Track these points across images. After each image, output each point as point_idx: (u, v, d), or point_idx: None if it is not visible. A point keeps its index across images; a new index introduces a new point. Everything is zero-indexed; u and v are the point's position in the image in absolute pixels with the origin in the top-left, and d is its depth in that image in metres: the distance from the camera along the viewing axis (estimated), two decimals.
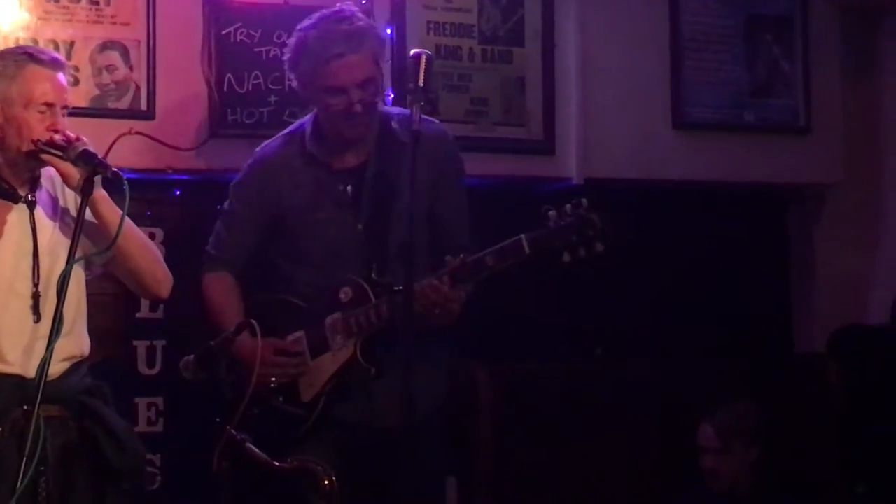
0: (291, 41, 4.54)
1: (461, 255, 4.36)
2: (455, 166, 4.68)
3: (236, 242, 4.64)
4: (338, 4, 4.59)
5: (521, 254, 4.31)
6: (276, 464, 3.80)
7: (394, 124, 4.58)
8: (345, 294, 4.45)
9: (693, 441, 5.50)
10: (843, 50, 6.42)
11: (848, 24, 6.42)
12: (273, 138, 4.71)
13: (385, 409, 4.40)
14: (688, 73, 6.09)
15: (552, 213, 4.32)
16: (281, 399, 4.46)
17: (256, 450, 3.82)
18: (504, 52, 5.77)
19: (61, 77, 3.95)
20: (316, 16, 4.53)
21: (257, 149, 4.73)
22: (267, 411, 4.41)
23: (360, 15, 4.57)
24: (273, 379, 4.40)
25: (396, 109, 4.75)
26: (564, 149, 5.83)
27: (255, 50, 5.35)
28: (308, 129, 4.60)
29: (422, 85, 4.15)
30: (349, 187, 4.53)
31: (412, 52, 4.25)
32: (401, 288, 4.20)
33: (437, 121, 4.71)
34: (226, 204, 4.71)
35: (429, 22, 5.65)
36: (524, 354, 5.75)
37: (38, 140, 3.84)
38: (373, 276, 4.45)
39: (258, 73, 5.33)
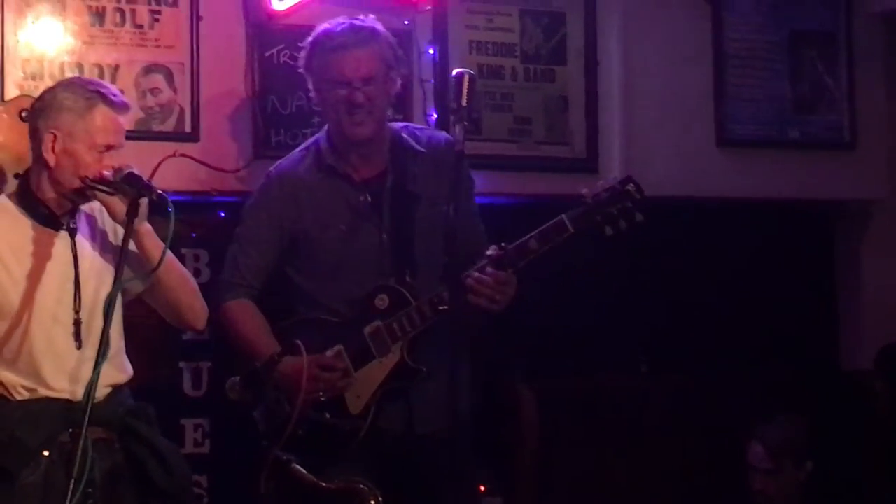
0: (306, 42, 4.60)
1: (501, 244, 4.40)
2: (466, 173, 4.67)
3: (255, 265, 4.59)
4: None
5: (565, 232, 4.39)
6: (323, 484, 3.81)
7: (405, 135, 4.64)
8: (381, 301, 4.46)
9: (739, 458, 5.47)
10: (887, 65, 6.38)
11: (892, 38, 6.38)
12: (286, 157, 4.72)
13: (426, 415, 4.44)
14: (731, 90, 6.07)
15: (586, 190, 4.45)
16: (328, 415, 4.43)
17: (303, 470, 3.83)
18: (547, 70, 5.77)
19: (123, 120, 3.97)
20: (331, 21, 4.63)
21: (271, 168, 4.72)
22: (314, 430, 4.39)
23: (373, 20, 4.61)
24: (321, 394, 4.39)
25: (401, 124, 4.78)
26: (608, 167, 5.81)
27: (299, 71, 5.35)
28: (323, 143, 4.62)
29: (465, 104, 4.14)
30: (369, 197, 4.54)
31: (455, 71, 4.25)
32: (445, 307, 4.25)
33: (443, 132, 4.72)
34: (239, 228, 4.67)
35: (471, 41, 5.66)
36: (568, 370, 5.74)
37: (86, 177, 3.85)
38: (407, 279, 4.47)
39: (301, 94, 5.34)
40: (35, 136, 3.93)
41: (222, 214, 5.38)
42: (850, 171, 6.28)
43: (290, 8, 5.36)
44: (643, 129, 5.91)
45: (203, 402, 5.32)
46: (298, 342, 4.11)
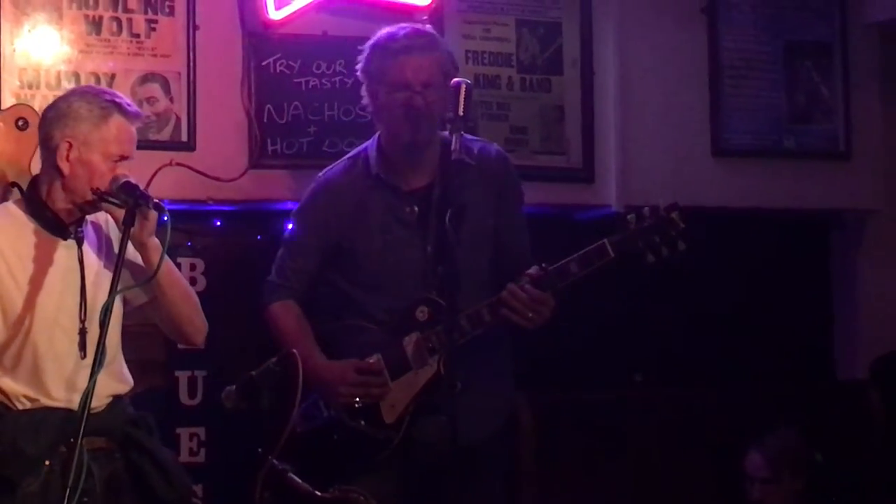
0: (365, 46, 4.58)
1: (542, 265, 4.38)
2: (515, 184, 4.70)
3: (300, 270, 4.63)
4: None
5: (606, 257, 4.35)
6: (318, 494, 3.81)
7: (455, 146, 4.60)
8: (422, 313, 4.44)
9: (736, 468, 5.47)
10: (882, 75, 6.39)
11: (887, 49, 6.39)
12: (334, 163, 4.70)
13: (463, 427, 4.40)
14: (727, 100, 6.07)
15: (631, 216, 4.39)
16: (363, 422, 4.44)
17: (298, 479, 3.83)
18: (543, 80, 5.78)
19: (135, 129, 3.96)
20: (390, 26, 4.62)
21: (319, 174, 4.71)
22: (348, 436, 4.41)
23: (431, 28, 4.67)
24: (357, 400, 4.40)
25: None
26: (603, 176, 5.83)
27: (295, 80, 5.38)
28: (372, 152, 4.60)
29: (462, 114, 4.16)
30: (416, 208, 4.53)
31: (452, 81, 4.26)
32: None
33: (494, 143, 4.73)
34: (288, 232, 4.71)
35: (468, 51, 5.67)
36: (564, 382, 5.74)
37: (98, 189, 3.85)
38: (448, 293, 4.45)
39: (298, 103, 5.37)
40: (48, 145, 3.91)
41: (218, 223, 5.39)
42: (846, 181, 6.28)
43: (286, 17, 5.37)
44: (639, 139, 5.91)
45: (199, 411, 5.32)
46: (294, 351, 4.11)
